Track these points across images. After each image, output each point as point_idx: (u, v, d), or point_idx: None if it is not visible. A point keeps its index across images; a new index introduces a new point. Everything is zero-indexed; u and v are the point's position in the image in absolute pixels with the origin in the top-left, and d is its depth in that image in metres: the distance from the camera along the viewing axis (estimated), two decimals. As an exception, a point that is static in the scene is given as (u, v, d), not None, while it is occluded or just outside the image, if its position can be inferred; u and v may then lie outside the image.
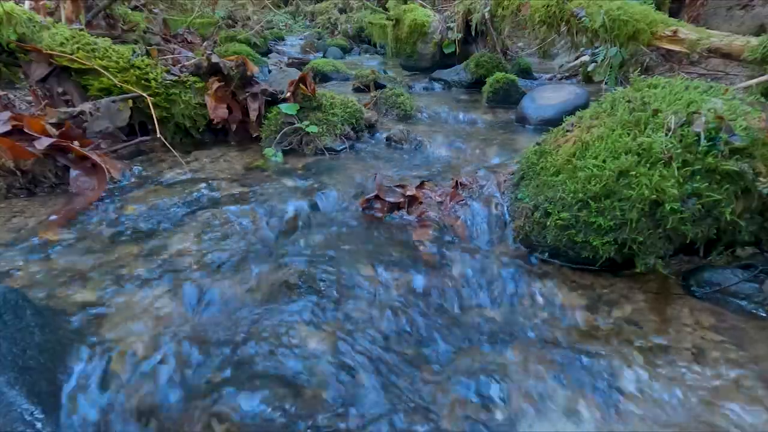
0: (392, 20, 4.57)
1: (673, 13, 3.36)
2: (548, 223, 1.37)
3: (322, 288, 1.21)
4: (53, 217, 1.52)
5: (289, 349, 1.03)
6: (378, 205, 1.63)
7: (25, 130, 1.68)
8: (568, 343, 1.10)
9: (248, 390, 0.91)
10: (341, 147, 2.26)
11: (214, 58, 2.27)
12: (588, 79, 3.74)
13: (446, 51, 4.23)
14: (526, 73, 4.13)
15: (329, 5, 9.01)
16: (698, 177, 1.21)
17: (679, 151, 1.23)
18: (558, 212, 1.35)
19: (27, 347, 0.87)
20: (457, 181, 1.72)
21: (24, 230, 1.44)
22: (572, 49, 3.78)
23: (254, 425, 0.86)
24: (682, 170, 1.21)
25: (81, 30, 2.29)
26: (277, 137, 2.21)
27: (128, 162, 1.96)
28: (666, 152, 1.23)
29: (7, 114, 1.68)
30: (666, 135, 1.26)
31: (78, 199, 1.64)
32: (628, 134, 1.33)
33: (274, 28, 7.84)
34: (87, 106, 1.99)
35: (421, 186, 1.72)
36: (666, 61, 3.69)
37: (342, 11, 8.43)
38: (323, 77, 3.98)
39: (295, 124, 2.21)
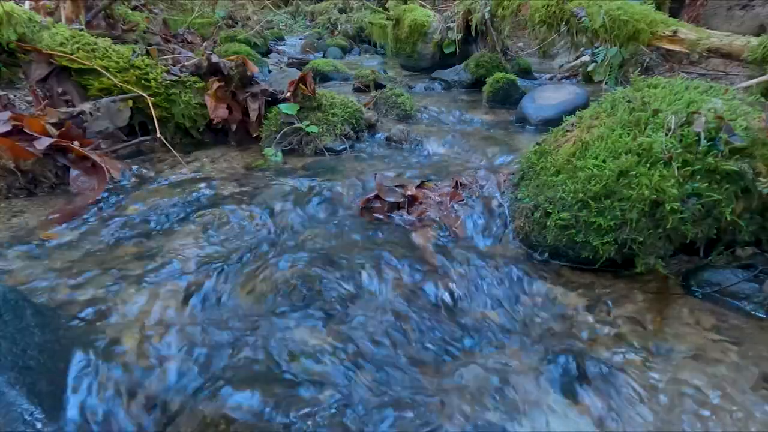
0: (392, 20, 4.57)
1: (673, 13, 3.36)
2: (548, 223, 1.37)
3: (322, 288, 1.21)
4: (53, 217, 1.52)
5: (289, 349, 1.03)
6: (378, 205, 1.63)
7: (25, 130, 1.68)
8: (567, 342, 1.10)
9: (248, 390, 0.91)
10: (341, 147, 2.26)
11: (214, 58, 2.27)
12: (588, 79, 3.74)
13: (446, 51, 4.23)
14: (526, 73, 4.12)
15: (329, 5, 9.01)
16: (698, 177, 1.21)
17: (679, 151, 1.23)
18: (558, 212, 1.35)
19: (27, 347, 0.87)
20: (457, 181, 1.72)
21: (24, 230, 1.44)
22: (572, 49, 3.78)
23: (254, 425, 0.86)
24: (682, 170, 1.21)
25: (81, 30, 2.29)
26: (277, 137, 2.21)
27: (128, 162, 1.96)
28: (666, 152, 1.23)
29: (7, 114, 1.68)
30: (666, 135, 1.26)
31: (78, 199, 1.64)
32: (628, 134, 1.33)
33: (274, 28, 7.84)
34: (87, 106, 1.99)
35: (421, 186, 1.72)
36: (666, 61, 3.69)
37: (342, 11, 8.43)
38: (323, 77, 3.98)
39: (295, 124, 2.21)
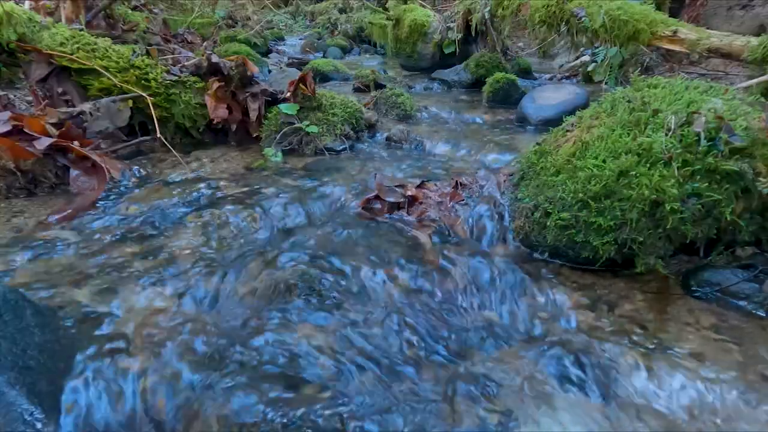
0: (392, 20, 4.57)
1: (673, 13, 3.36)
2: (548, 223, 1.37)
3: (322, 288, 1.21)
4: (53, 217, 1.52)
5: (289, 349, 1.03)
6: (378, 205, 1.63)
7: (25, 130, 1.68)
8: (567, 343, 1.10)
9: (248, 389, 0.91)
10: (341, 147, 2.26)
11: (214, 58, 2.27)
12: (588, 79, 3.74)
13: (446, 51, 4.23)
14: (526, 73, 4.12)
15: (329, 5, 9.01)
16: (698, 177, 1.21)
17: (679, 151, 1.23)
18: (558, 212, 1.35)
19: (27, 347, 0.87)
20: (457, 181, 1.72)
21: (24, 230, 1.44)
22: (572, 49, 3.78)
23: (254, 424, 0.86)
24: (682, 170, 1.21)
25: (81, 30, 2.29)
26: (277, 137, 2.21)
27: (128, 162, 1.96)
28: (666, 152, 1.23)
29: (7, 114, 1.68)
30: (666, 135, 1.26)
31: (78, 199, 1.64)
32: (628, 134, 1.33)
33: (274, 28, 7.84)
34: (87, 106, 1.99)
35: (421, 186, 1.72)
36: (666, 61, 3.69)
37: (342, 11, 8.43)
38: (323, 77, 3.98)
39: (295, 124, 2.21)
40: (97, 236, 1.42)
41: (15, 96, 2.26)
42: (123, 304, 1.12)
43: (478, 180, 1.74)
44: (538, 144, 1.61)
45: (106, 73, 2.07)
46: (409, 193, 1.65)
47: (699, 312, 1.19)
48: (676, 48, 2.64)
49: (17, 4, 2.80)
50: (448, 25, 4.21)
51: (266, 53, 5.55)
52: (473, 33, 4.05)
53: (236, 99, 2.29)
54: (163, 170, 1.95)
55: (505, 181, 1.70)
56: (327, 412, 0.89)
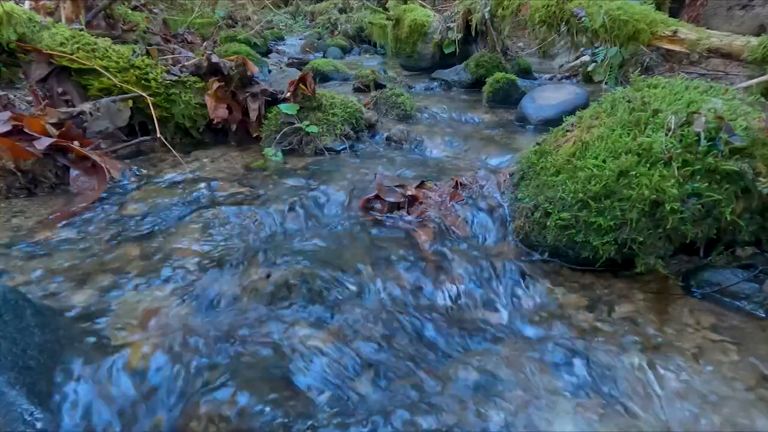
0: (392, 20, 4.57)
1: (673, 13, 3.36)
2: (548, 223, 1.37)
3: (322, 288, 1.21)
4: (53, 217, 1.52)
5: (289, 349, 1.03)
6: (378, 205, 1.63)
7: (25, 130, 1.68)
8: (568, 343, 1.10)
9: (248, 390, 0.91)
10: (341, 147, 2.26)
11: (214, 58, 2.27)
12: (588, 79, 3.74)
13: (446, 51, 4.23)
14: (526, 73, 4.12)
15: (329, 5, 9.00)
16: (698, 177, 1.21)
17: (679, 151, 1.23)
18: (558, 212, 1.35)
19: (27, 347, 0.87)
20: (457, 181, 1.72)
21: (24, 230, 1.44)
22: (572, 49, 3.78)
23: (254, 425, 0.86)
24: (682, 170, 1.21)
25: (81, 30, 2.29)
26: (277, 137, 2.21)
27: (128, 162, 1.96)
28: (666, 152, 1.23)
29: (7, 114, 1.68)
30: (666, 135, 1.26)
31: (78, 199, 1.64)
32: (628, 134, 1.33)
33: (274, 28, 7.83)
34: (87, 106, 1.99)
35: (421, 186, 1.72)
36: (666, 61, 3.69)
37: (342, 11, 8.43)
38: (323, 77, 3.98)
39: (295, 124, 2.21)
40: (97, 236, 1.42)
41: (15, 96, 2.26)
42: (123, 304, 1.12)
43: (478, 180, 1.74)
44: (538, 144, 1.61)
45: (106, 73, 2.07)
46: (409, 192, 1.65)
47: (699, 312, 1.19)
48: (676, 48, 2.64)
49: (17, 4, 2.80)
50: (448, 25, 4.21)
51: (266, 53, 5.55)
52: (473, 33, 4.05)
53: (236, 99, 2.29)
54: (163, 170, 1.95)
55: (505, 181, 1.70)
56: (327, 411, 0.89)
